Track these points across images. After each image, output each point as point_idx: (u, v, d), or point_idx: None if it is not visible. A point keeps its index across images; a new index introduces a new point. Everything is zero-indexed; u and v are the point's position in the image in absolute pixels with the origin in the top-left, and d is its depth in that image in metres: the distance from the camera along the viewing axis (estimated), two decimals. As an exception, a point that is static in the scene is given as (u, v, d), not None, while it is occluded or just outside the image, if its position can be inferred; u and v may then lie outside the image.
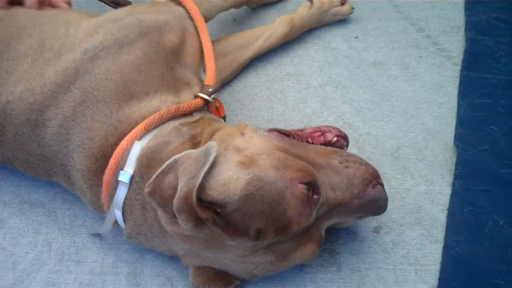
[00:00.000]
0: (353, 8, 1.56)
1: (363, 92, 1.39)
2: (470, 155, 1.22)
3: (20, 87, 1.03)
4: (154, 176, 0.86)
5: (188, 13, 1.19)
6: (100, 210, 1.05)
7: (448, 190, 1.18)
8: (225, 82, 1.38)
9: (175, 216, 0.86)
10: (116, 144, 0.98)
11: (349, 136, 1.08)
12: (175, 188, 0.84)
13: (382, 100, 1.36)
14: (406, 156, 1.25)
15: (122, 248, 1.12)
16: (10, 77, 1.05)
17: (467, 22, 1.55)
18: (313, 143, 1.02)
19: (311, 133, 1.04)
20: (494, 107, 1.32)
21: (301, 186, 0.88)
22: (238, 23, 1.58)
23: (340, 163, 0.96)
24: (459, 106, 1.33)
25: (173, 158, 0.87)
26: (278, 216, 0.86)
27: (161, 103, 1.02)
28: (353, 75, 1.43)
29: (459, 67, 1.44)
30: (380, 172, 1.17)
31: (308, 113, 1.34)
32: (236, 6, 1.44)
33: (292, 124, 1.32)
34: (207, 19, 1.23)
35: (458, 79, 1.41)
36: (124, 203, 0.98)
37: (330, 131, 1.04)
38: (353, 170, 0.95)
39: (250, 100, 1.38)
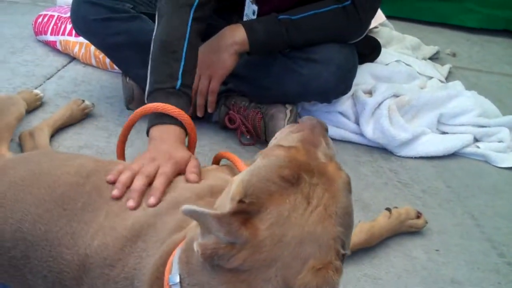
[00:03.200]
0: (427, 222, 1.61)
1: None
2: None
3: (97, 241, 1.08)
4: (196, 248, 0.87)
5: None
6: None
7: None
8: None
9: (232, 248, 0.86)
10: (164, 264, 1.00)
11: None
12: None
13: (457, 323, 1.35)
14: None
15: None
16: (89, 229, 1.10)
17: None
18: None
19: None
20: None
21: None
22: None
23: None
24: None
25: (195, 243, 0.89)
26: (284, 164, 0.92)
27: None
28: (430, 290, 1.44)
29: (538, 302, 1.42)
30: None
31: (380, 321, 1.34)
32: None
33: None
34: None
35: (536, 315, 1.39)
36: None
37: None
38: (280, 134, 1.08)
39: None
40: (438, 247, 1.57)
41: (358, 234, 1.48)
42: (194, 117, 1.94)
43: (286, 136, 1.04)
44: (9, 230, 1.12)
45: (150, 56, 1.55)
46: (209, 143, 1.89)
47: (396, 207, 1.58)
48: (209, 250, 0.86)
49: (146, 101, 1.48)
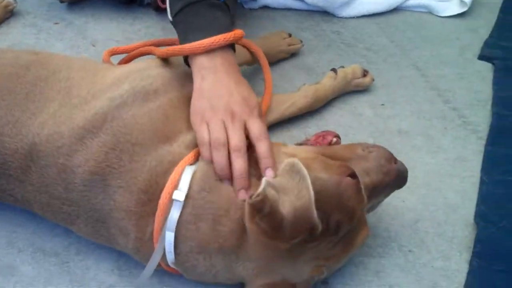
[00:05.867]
0: (373, 80, 1.58)
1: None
2: (490, 233, 1.19)
3: (47, 130, 1.05)
4: (261, 188, 0.88)
5: None
6: (144, 248, 1.04)
7: (465, 268, 1.16)
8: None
9: (276, 229, 0.89)
10: (167, 172, 1.00)
11: (367, 206, 1.13)
12: (277, 201, 0.90)
13: (404, 170, 1.35)
14: (425, 230, 1.23)
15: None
16: (36, 119, 1.07)
17: (495, 97, 1.54)
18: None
19: (315, 139, 1.18)
20: (518, 184, 1.30)
21: (348, 178, 0.97)
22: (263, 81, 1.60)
23: (363, 150, 1.06)
24: (482, 182, 1.32)
25: (264, 179, 0.91)
26: (345, 207, 0.95)
27: None
28: (377, 142, 1.39)
29: (483, 142, 1.43)
30: (397, 244, 1.17)
31: (328, 178, 1.34)
32: None
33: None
34: None
35: (482, 154, 1.39)
36: (180, 223, 0.98)
37: (327, 133, 1.19)
38: (376, 153, 1.05)
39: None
40: (383, 101, 1.56)
41: (302, 99, 1.45)
42: (123, 1, 1.86)
43: (362, 163, 1.04)
44: None
45: None
46: (144, 27, 1.81)
47: (342, 67, 1.54)
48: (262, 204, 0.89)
49: (172, 20, 1.20)
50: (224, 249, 0.98)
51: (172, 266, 1.04)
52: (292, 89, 1.49)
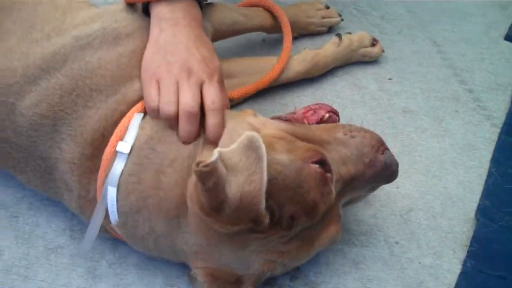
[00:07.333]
0: (383, 51, 1.42)
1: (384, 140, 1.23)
2: (490, 232, 1.05)
3: (0, 64, 0.94)
4: (213, 158, 0.73)
5: None
6: (88, 209, 0.93)
7: (457, 269, 1.02)
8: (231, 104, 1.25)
9: (215, 209, 0.76)
10: (115, 124, 0.90)
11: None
12: (224, 179, 0.75)
13: (403, 153, 1.21)
14: (418, 221, 1.10)
15: (76, 271, 1.00)
16: None
17: (517, 82, 1.39)
18: (308, 123, 1.00)
19: (304, 113, 1.02)
20: (530, 181, 1.15)
21: (314, 165, 0.83)
22: (267, 45, 1.46)
23: (345, 134, 0.92)
24: (490, 174, 1.17)
25: (217, 150, 0.76)
26: (304, 199, 0.82)
27: None
28: (378, 120, 1.29)
29: (498, 130, 1.27)
30: (383, 234, 1.04)
31: (318, 154, 1.20)
32: None
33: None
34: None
35: (494, 143, 1.24)
36: (123, 177, 0.87)
37: (321, 107, 1.03)
38: (360, 139, 0.91)
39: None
40: (391, 76, 1.40)
41: (300, 63, 1.31)
42: None
43: (340, 149, 0.90)
44: None
45: None
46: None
47: (349, 33, 1.39)
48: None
49: None
50: (164, 208, 0.86)
51: (115, 229, 0.93)
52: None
